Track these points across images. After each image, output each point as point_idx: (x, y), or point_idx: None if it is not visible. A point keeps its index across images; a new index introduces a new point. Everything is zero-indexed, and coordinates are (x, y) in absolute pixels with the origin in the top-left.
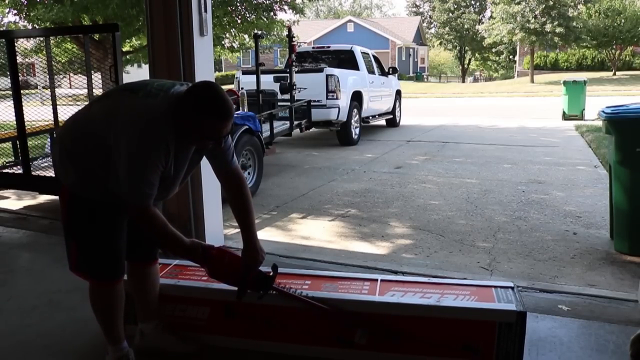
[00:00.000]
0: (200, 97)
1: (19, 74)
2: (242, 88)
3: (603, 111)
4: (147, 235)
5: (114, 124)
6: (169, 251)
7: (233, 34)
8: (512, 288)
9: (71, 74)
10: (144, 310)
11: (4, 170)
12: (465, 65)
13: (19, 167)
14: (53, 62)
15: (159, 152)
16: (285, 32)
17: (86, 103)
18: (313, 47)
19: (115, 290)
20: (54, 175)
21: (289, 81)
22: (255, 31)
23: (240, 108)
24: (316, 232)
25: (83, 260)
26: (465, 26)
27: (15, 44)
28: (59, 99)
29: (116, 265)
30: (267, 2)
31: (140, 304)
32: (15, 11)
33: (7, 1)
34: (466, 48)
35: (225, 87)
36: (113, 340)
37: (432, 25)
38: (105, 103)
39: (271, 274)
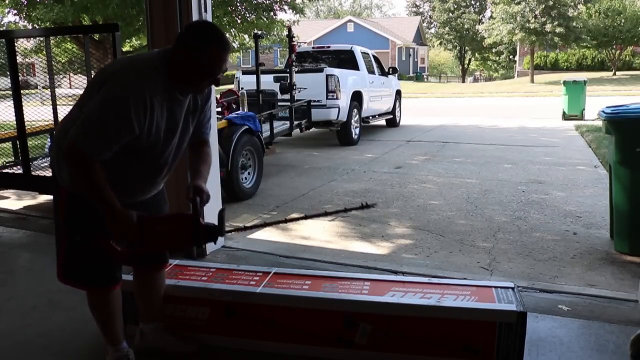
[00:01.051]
0: (199, 27)
1: (19, 74)
2: (242, 88)
3: (603, 111)
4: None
5: (108, 82)
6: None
7: (233, 34)
8: (513, 288)
9: (71, 74)
10: (147, 311)
11: (4, 170)
12: (465, 65)
13: (19, 167)
14: (53, 62)
15: (137, 110)
16: (285, 32)
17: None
18: (313, 47)
19: (113, 295)
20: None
21: (289, 81)
22: (255, 31)
23: (240, 108)
24: (316, 232)
25: (73, 267)
26: (465, 26)
27: (15, 44)
28: (59, 99)
29: (112, 271)
30: (267, 2)
31: (144, 306)
32: (15, 11)
33: (7, 1)
34: (466, 48)
35: (225, 87)
36: (112, 340)
37: (432, 25)
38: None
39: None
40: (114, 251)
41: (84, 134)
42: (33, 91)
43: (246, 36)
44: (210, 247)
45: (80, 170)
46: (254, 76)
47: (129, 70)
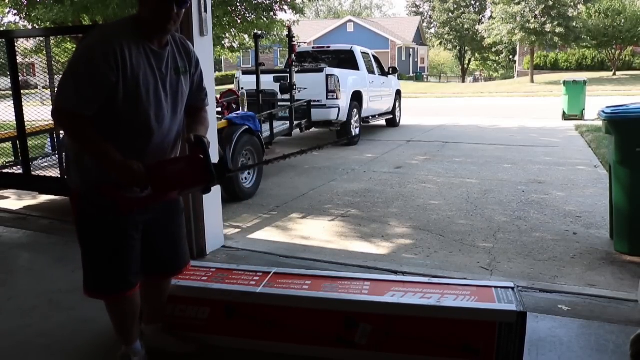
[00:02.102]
0: None
1: (19, 74)
2: (242, 88)
3: (603, 111)
4: (176, 252)
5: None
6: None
7: (233, 34)
8: (513, 288)
9: None
10: (150, 313)
11: (4, 170)
12: (465, 65)
13: (19, 167)
14: (53, 62)
15: (106, 55)
16: (285, 32)
17: None
18: (313, 47)
19: (128, 300)
20: (54, 175)
21: (289, 81)
22: (255, 31)
23: (240, 108)
24: (316, 232)
25: (91, 276)
26: (465, 26)
27: (15, 44)
28: None
29: (125, 277)
30: (267, 2)
31: (148, 309)
32: (15, 11)
33: (7, 1)
34: (466, 48)
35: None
36: (126, 340)
37: (432, 25)
38: None
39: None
40: (123, 199)
41: (62, 93)
42: (33, 91)
43: (246, 36)
44: (210, 247)
45: (70, 130)
46: (254, 76)
47: (95, 32)
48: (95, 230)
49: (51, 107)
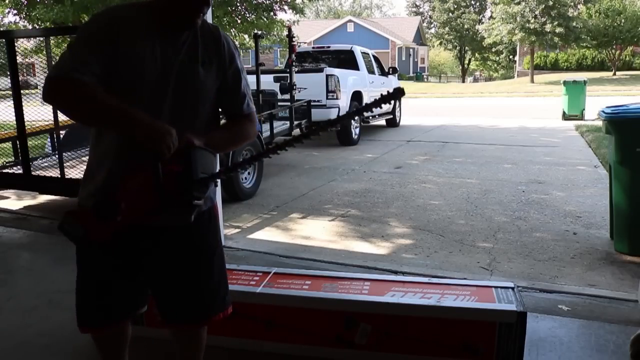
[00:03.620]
0: None
1: (19, 74)
2: None
3: (603, 111)
4: (189, 297)
5: None
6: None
7: (233, 34)
8: (513, 288)
9: None
10: None
11: (4, 170)
12: (465, 65)
13: (19, 167)
14: (53, 62)
15: (108, 25)
16: (285, 32)
17: None
18: (313, 47)
19: (106, 338)
20: (54, 176)
21: (289, 81)
22: (255, 31)
23: None
24: (316, 232)
25: (77, 305)
26: (465, 26)
27: (15, 44)
28: None
29: (90, 312)
30: (267, 2)
31: None
32: (15, 11)
33: (7, 1)
34: (466, 48)
35: None
36: None
37: (432, 25)
38: None
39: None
40: (93, 226)
41: (55, 65)
42: (33, 91)
43: (246, 36)
44: None
45: (67, 99)
46: (254, 76)
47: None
48: (76, 252)
49: (51, 106)
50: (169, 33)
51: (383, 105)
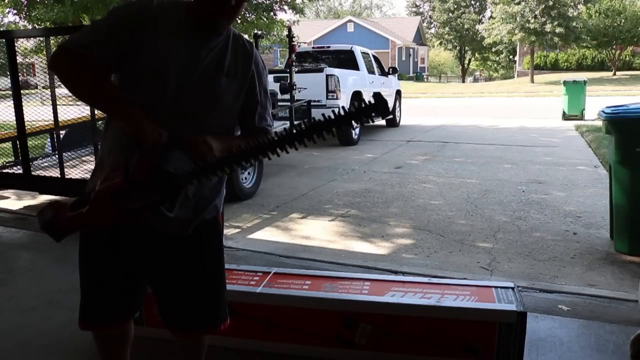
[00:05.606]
0: None
1: (19, 74)
2: None
3: (603, 111)
4: (190, 305)
5: None
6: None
7: None
8: (513, 288)
9: None
10: None
11: (4, 170)
12: (465, 65)
13: (19, 167)
14: None
15: (136, 15)
16: (285, 32)
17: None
18: (313, 47)
19: (105, 337)
20: (54, 175)
21: (289, 81)
22: (255, 31)
23: None
24: (316, 232)
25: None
26: (465, 26)
27: (15, 44)
28: (59, 99)
29: (105, 308)
30: (267, 2)
31: None
32: (15, 11)
33: (7, 1)
34: (466, 48)
35: None
36: None
37: (432, 25)
38: None
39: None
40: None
41: (74, 34)
42: (33, 91)
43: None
44: None
45: (65, 67)
46: None
47: None
48: (79, 253)
49: (51, 106)
50: (200, 35)
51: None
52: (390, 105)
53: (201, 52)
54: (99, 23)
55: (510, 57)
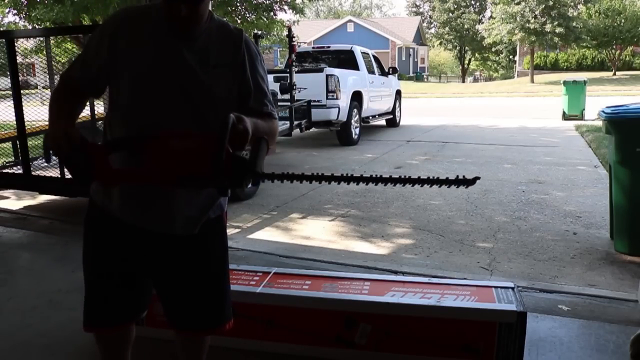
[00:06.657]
0: None
1: (19, 74)
2: None
3: (603, 111)
4: (194, 304)
5: None
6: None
7: None
8: (513, 288)
9: None
10: None
11: (4, 170)
12: (465, 65)
13: (19, 167)
14: (53, 62)
15: (113, 26)
16: (285, 32)
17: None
18: (313, 47)
19: (106, 339)
20: (54, 176)
21: (289, 81)
22: (255, 31)
23: None
24: (316, 232)
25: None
26: (465, 26)
27: (15, 44)
28: None
29: (90, 306)
30: (267, 2)
31: None
32: (15, 11)
33: (7, 1)
34: (466, 48)
35: None
36: None
37: (432, 25)
38: None
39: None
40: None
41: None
42: (33, 91)
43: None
44: None
45: (57, 95)
46: None
47: None
48: (83, 253)
49: None
50: (178, 33)
51: (383, 105)
52: (390, 105)
53: (182, 49)
54: (78, 58)
55: (510, 57)
